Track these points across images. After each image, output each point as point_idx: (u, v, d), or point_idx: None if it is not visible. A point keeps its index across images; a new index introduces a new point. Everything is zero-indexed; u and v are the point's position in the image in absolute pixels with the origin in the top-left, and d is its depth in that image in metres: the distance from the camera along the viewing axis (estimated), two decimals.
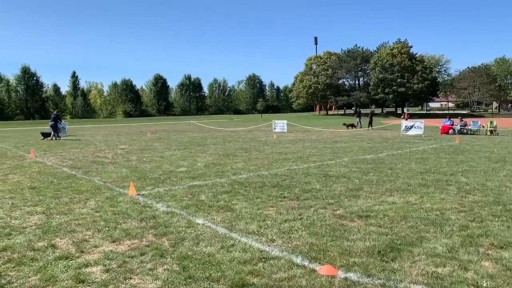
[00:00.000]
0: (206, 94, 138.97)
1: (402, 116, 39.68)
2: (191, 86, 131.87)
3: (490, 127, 25.46)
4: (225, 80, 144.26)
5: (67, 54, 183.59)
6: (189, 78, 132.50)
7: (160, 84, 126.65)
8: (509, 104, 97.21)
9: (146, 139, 24.24)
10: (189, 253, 4.64)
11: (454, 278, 3.84)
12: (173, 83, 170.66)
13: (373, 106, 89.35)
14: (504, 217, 5.90)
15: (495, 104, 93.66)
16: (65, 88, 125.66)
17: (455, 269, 4.05)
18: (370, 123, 33.57)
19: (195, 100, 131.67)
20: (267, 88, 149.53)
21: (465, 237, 5.03)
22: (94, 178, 9.93)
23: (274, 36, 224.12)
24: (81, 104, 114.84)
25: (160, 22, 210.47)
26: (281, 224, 5.73)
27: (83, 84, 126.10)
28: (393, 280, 3.84)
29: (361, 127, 33.18)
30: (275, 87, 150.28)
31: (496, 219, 5.79)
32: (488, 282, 3.76)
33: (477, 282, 3.76)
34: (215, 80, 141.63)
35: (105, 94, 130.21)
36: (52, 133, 24.87)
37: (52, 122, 25.12)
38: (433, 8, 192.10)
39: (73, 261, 4.48)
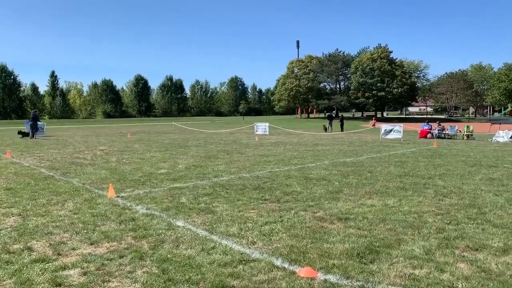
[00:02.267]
0: (188, 96, 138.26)
1: (372, 122, 40.37)
2: (173, 87, 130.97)
3: (466, 132, 26.08)
4: (207, 81, 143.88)
5: (46, 53, 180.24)
6: (170, 79, 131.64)
7: (141, 84, 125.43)
8: (485, 110, 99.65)
9: (126, 140, 23.96)
10: (168, 255, 4.61)
11: (431, 280, 3.92)
12: (154, 84, 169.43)
13: (353, 110, 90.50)
14: (479, 219, 6.05)
15: (471, 109, 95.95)
16: (43, 87, 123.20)
17: (432, 271, 4.13)
18: (342, 127, 34.50)
19: (177, 101, 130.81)
20: (249, 90, 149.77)
21: (441, 239, 5.13)
22: (72, 179, 9.77)
23: (256, 39, 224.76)
24: (60, 104, 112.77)
25: (141, 23, 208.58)
26: (261, 226, 5.74)
27: (62, 84, 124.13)
28: (372, 282, 3.89)
29: (331, 131, 33.79)
30: (257, 89, 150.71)
31: (472, 222, 5.92)
32: (463, 284, 3.85)
33: (453, 284, 3.85)
34: (197, 82, 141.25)
35: (85, 94, 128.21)
36: (31, 132, 24.56)
37: (31, 122, 24.79)
38: (413, 15, 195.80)
39: (50, 264, 4.39)
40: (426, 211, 6.59)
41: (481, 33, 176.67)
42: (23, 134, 24.87)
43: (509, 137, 23.59)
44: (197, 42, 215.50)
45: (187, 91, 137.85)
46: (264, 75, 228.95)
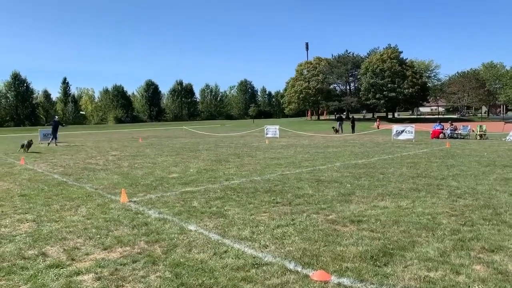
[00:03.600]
0: (198, 100, 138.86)
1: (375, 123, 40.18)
2: (183, 91, 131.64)
3: (479, 131, 25.73)
4: (217, 85, 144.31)
5: (58, 60, 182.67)
6: (180, 83, 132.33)
7: (151, 89, 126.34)
8: (498, 109, 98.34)
9: (138, 145, 24.12)
10: (181, 260, 4.61)
11: (446, 282, 3.86)
12: (164, 88, 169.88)
13: (364, 111, 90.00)
14: (495, 220, 5.96)
15: (484, 109, 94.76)
16: (55, 94, 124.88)
17: (447, 273, 4.07)
18: (353, 128, 34.29)
19: (187, 105, 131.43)
20: (259, 93, 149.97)
21: (456, 241, 5.06)
22: (85, 185, 9.85)
23: (266, 42, 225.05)
24: (72, 110, 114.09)
25: (151, 28, 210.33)
26: (274, 229, 5.72)
27: (74, 90, 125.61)
28: (386, 285, 3.85)
29: (342, 133, 33.63)
30: (267, 92, 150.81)
31: (487, 223, 5.84)
32: (480, 286, 3.79)
33: (469, 286, 3.79)
34: (207, 86, 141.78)
35: (96, 100, 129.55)
36: (51, 138, 24.90)
37: (53, 127, 25.15)
38: (422, 14, 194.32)
39: (64, 269, 4.43)
40: (440, 212, 6.51)
41: (492, 31, 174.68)
42: (26, 146, 19.60)
43: None
44: (206, 46, 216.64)
45: (197, 95, 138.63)
46: (273, 78, 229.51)
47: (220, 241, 5.24)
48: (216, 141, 26.85)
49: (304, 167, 12.39)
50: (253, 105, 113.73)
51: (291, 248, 4.92)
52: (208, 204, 7.39)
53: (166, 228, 5.89)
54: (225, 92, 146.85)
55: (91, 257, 4.80)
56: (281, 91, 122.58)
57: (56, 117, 28.78)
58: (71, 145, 24.87)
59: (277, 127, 30.84)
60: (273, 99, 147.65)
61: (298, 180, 9.85)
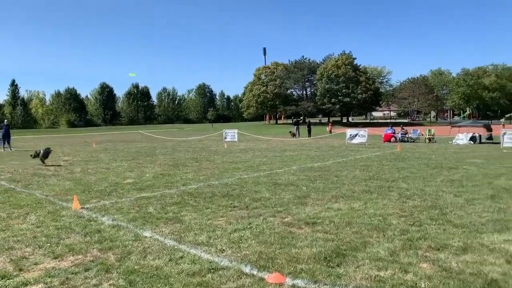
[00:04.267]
0: (155, 103, 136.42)
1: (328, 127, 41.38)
2: (139, 94, 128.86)
3: (428, 135, 27.03)
4: (175, 89, 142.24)
5: (5, 62, 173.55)
6: (136, 86, 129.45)
7: (106, 92, 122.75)
8: (446, 113, 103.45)
9: (91, 149, 23.39)
10: (136, 267, 4.54)
11: (395, 281, 4.04)
12: (120, 91, 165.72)
13: (320, 116, 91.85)
14: (441, 220, 6.28)
15: (433, 113, 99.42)
16: (3, 97, 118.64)
17: (396, 272, 4.26)
18: (309, 132, 35.16)
19: (143, 109, 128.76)
20: (217, 97, 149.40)
21: (405, 240, 5.29)
22: (35, 191, 9.44)
23: (224, 47, 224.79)
24: (21, 114, 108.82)
25: (106, 30, 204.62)
26: (230, 234, 5.74)
27: (23, 93, 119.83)
28: (339, 285, 3.97)
29: (299, 137, 34.32)
30: (225, 96, 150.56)
31: (434, 223, 6.14)
32: (426, 283, 3.98)
33: (416, 284, 3.98)
34: (164, 89, 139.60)
35: (48, 103, 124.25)
36: (4, 144, 23.59)
37: (3, 132, 23.86)
38: (375, 22, 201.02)
39: (11, 280, 4.24)
40: (391, 213, 6.78)
41: (440, 38, 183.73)
42: (43, 156, 15.57)
43: (468, 139, 24.59)
44: (164, 49, 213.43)
45: (154, 98, 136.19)
46: (232, 82, 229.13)
47: (176, 247, 5.20)
48: (173, 145, 26.51)
49: (262, 170, 12.50)
50: (211, 109, 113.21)
51: (247, 252, 4.96)
52: (164, 210, 7.30)
53: (120, 235, 5.76)
54: (183, 95, 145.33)
55: (41, 266, 4.62)
56: (240, 95, 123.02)
57: (6, 120, 27.37)
58: (20, 150, 23.71)
59: (236, 131, 30.92)
60: (232, 103, 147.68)
61: (256, 184, 9.93)
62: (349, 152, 18.86)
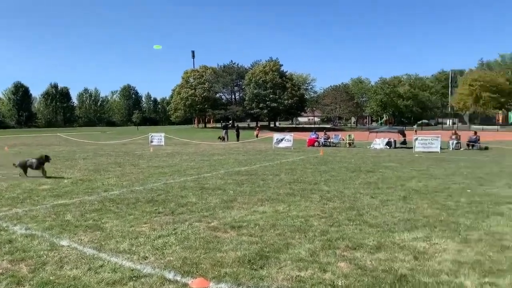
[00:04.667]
0: (75, 105, 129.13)
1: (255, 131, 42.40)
2: (58, 95, 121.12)
3: (349, 140, 28.51)
4: (97, 90, 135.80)
5: None
6: (55, 86, 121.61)
7: (21, 92, 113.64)
8: (365, 119, 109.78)
9: (3, 153, 21.57)
10: (51, 278, 4.28)
11: (314, 280, 4.22)
12: (36, 92, 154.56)
13: (248, 120, 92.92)
14: (358, 221, 6.67)
15: (353, 119, 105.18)
16: None
17: (315, 272, 4.45)
18: (238, 136, 35.59)
19: (63, 110, 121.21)
20: (143, 99, 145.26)
21: (325, 241, 5.55)
22: None
23: (151, 47, 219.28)
24: None
25: (20, 25, 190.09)
26: (154, 240, 5.62)
27: None
28: (261, 287, 4.06)
29: (228, 141, 34.58)
30: (152, 99, 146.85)
31: (351, 223, 6.50)
32: (343, 281, 4.21)
33: (334, 282, 4.19)
34: (86, 90, 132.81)
35: None
36: None
37: None
38: (301, 31, 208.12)
39: None
40: (312, 215, 7.07)
41: (361, 47, 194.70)
42: (39, 164, 12.57)
43: (384, 144, 26.31)
44: (85, 48, 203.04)
45: (75, 99, 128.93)
46: (159, 85, 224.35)
47: (95, 256, 4.98)
48: (95, 149, 25.29)
49: (189, 175, 12.37)
50: (137, 111, 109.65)
51: (171, 258, 4.89)
52: (83, 217, 6.95)
53: (34, 245, 5.39)
54: (106, 97, 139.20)
55: None
56: (168, 98, 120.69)
57: None
58: None
59: (163, 134, 30.25)
60: (159, 106, 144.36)
61: (182, 189, 9.81)
62: (276, 156, 19.32)
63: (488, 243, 5.47)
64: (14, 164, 12.47)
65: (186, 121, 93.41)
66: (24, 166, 12.11)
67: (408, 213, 7.27)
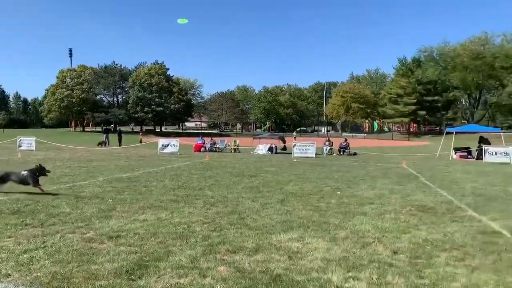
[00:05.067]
0: None
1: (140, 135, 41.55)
2: None
3: (234, 146, 29.23)
4: None
5: None
6: None
7: None
8: (250, 126, 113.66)
9: None
10: None
11: (194, 286, 4.25)
12: None
13: (132, 124, 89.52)
14: (239, 224, 6.87)
15: (239, 125, 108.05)
16: None
17: (195, 278, 4.48)
18: (120, 141, 34.21)
19: None
20: (11, 99, 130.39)
21: (206, 246, 5.61)
22: None
23: (22, 43, 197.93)
24: None
25: None
26: (19, 255, 5.10)
27: None
28: None
29: (109, 146, 32.94)
30: (21, 99, 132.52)
31: (232, 227, 6.68)
32: (222, 285, 4.31)
33: (213, 287, 4.26)
34: None
35: None
36: None
37: None
38: (189, 36, 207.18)
39: None
40: (195, 221, 7.09)
41: (247, 56, 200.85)
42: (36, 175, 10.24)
43: (266, 149, 27.53)
44: None
45: None
46: (30, 84, 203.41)
47: None
48: None
49: (62, 183, 11.45)
50: (3, 112, 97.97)
51: (39, 274, 4.49)
52: None
53: None
54: None
55: None
56: (40, 99, 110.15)
57: None
58: None
59: (34, 138, 27.50)
60: (30, 107, 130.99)
61: (54, 198, 9.03)
62: (161, 162, 18.91)
63: (353, 240, 6.07)
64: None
65: (62, 124, 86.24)
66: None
67: (285, 215, 7.72)
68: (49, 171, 10.28)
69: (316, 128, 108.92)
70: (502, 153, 22.64)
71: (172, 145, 26.30)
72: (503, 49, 68.01)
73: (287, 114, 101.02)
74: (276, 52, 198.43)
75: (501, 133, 29.84)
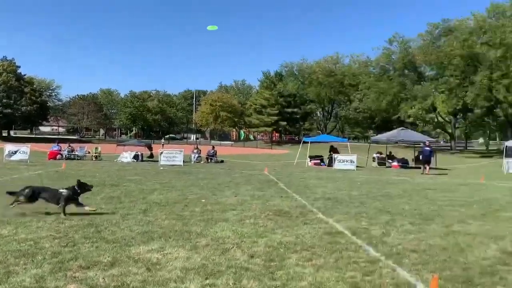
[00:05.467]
0: None
1: None
2: None
3: (95, 153, 27.46)
4: None
5: None
6: None
7: None
8: (114, 132, 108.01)
9: None
10: None
11: None
12: None
13: None
14: (95, 238, 6.46)
15: (102, 131, 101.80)
16: None
17: None
18: None
19: None
20: None
21: (55, 263, 5.15)
22: None
23: None
24: None
25: None
26: None
27: None
28: None
29: None
30: None
31: (87, 241, 6.25)
32: None
33: None
34: None
35: None
36: None
37: None
38: (44, 35, 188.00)
39: None
40: (44, 236, 6.47)
41: (112, 58, 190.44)
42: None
43: (132, 157, 26.50)
44: None
45: None
46: None
47: None
48: None
49: None
50: None
51: None
52: None
53: None
54: None
55: None
56: None
57: None
58: None
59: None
60: None
61: None
62: (7, 171, 16.77)
63: (213, 247, 6.20)
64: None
65: None
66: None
67: (147, 225, 7.53)
68: (92, 186, 8.98)
69: (185, 135, 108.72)
70: (349, 161, 25.60)
71: (22, 151, 23.56)
72: (351, 69, 77.45)
73: (155, 121, 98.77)
74: (143, 56, 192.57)
75: (348, 143, 33.83)
